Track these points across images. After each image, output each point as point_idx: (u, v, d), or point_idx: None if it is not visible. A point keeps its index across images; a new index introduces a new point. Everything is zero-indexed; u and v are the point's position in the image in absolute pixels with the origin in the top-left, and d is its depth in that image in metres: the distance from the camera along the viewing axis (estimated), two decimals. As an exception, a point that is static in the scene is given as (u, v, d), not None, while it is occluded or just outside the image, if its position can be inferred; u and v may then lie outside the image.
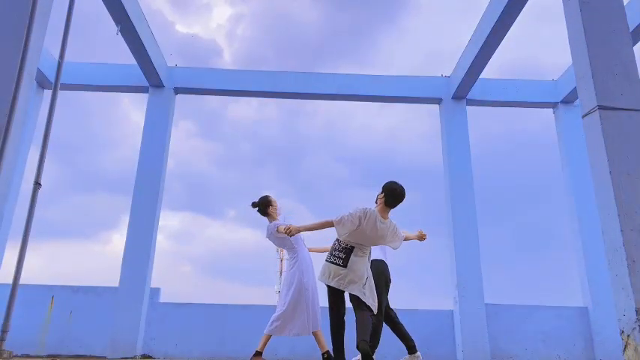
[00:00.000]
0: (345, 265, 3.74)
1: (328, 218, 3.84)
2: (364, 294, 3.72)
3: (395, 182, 3.84)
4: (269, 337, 4.57)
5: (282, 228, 4.28)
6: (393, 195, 3.80)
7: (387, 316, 4.54)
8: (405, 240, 4.27)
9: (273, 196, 4.77)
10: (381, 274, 4.41)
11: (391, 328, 4.58)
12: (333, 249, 3.90)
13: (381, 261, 4.54)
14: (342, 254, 3.78)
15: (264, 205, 4.73)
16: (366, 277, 3.78)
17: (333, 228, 3.83)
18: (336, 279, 3.77)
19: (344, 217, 3.75)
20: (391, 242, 3.94)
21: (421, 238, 4.55)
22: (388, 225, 3.83)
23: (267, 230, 4.72)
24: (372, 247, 4.54)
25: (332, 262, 3.82)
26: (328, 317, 4.01)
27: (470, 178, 6.98)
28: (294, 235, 4.18)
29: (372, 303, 3.78)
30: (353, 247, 3.80)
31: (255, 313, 6.42)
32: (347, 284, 3.73)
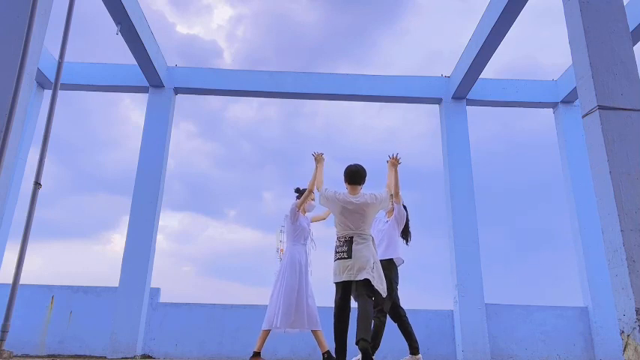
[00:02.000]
0: (350, 256, 3.84)
1: (323, 186, 4.21)
2: (373, 277, 3.79)
3: (349, 164, 4.17)
4: (264, 335, 4.58)
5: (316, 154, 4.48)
6: (348, 173, 4.10)
7: (396, 313, 4.55)
8: (393, 186, 4.43)
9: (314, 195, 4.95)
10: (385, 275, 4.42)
11: (398, 326, 4.59)
12: (336, 247, 4.00)
13: (387, 260, 4.53)
14: (345, 247, 3.89)
15: (302, 194, 4.92)
16: (372, 262, 3.85)
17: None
18: (345, 272, 3.85)
19: (327, 192, 4.08)
20: (382, 205, 4.09)
21: (393, 163, 4.44)
22: (364, 197, 4.00)
23: (286, 215, 4.85)
24: (385, 245, 4.58)
25: (338, 259, 3.93)
26: (332, 317, 4.03)
27: (470, 178, 6.98)
28: (316, 157, 4.42)
29: (381, 287, 3.84)
30: (352, 237, 3.90)
31: (255, 313, 6.42)
32: (357, 273, 3.81)
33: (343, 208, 3.95)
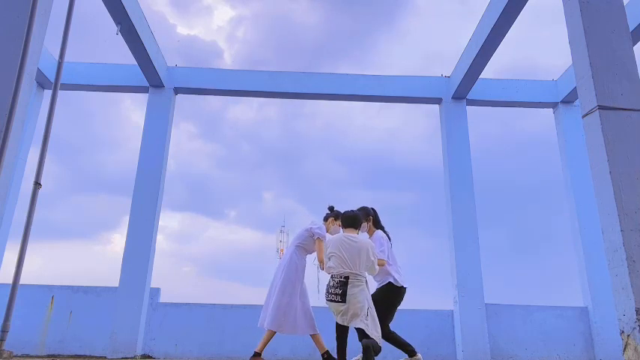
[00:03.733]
0: (343, 301, 3.70)
1: (324, 261, 4.14)
2: (367, 326, 3.67)
3: (346, 211, 4.27)
4: (269, 336, 4.57)
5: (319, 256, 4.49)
6: (345, 219, 4.20)
7: (385, 333, 4.43)
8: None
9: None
10: (386, 298, 4.40)
11: (387, 341, 4.48)
12: (329, 287, 3.86)
13: (386, 285, 4.48)
14: (339, 290, 3.74)
15: (333, 216, 4.87)
16: (367, 308, 3.73)
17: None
18: (338, 316, 3.78)
19: (327, 257, 4.01)
20: (370, 260, 3.90)
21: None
22: (363, 240, 3.93)
23: (313, 224, 4.78)
24: (382, 273, 4.46)
25: (331, 301, 3.79)
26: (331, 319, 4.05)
27: (470, 178, 6.98)
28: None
29: (376, 335, 3.71)
30: (347, 278, 3.75)
31: (255, 313, 6.39)
32: (350, 319, 3.71)
33: (341, 243, 3.88)
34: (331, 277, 3.86)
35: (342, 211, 4.30)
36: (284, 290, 4.54)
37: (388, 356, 5.81)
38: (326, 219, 4.90)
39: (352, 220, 4.14)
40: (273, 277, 4.77)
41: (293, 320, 4.48)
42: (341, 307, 3.70)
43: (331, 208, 4.91)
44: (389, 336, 4.45)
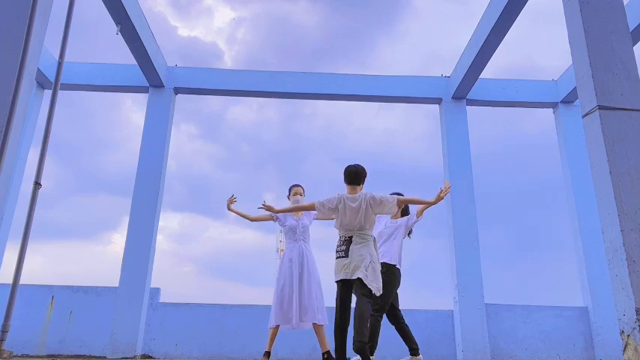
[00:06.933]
0: (347, 255, 3.92)
1: (312, 202, 4.25)
2: (366, 276, 3.83)
3: (349, 165, 4.24)
4: (272, 333, 4.58)
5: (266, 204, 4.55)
6: (347, 174, 4.18)
7: (394, 316, 4.54)
8: (419, 209, 4.56)
9: (298, 189, 4.94)
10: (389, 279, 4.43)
11: (396, 329, 4.58)
12: (336, 246, 4.09)
13: (387, 264, 4.52)
14: (343, 247, 3.98)
15: (288, 195, 5.01)
16: (369, 261, 3.90)
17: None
18: (343, 270, 3.92)
19: (323, 202, 4.13)
20: (382, 210, 4.07)
21: (439, 199, 4.31)
22: (360, 198, 4.03)
23: (303, 216, 4.91)
24: (385, 249, 4.62)
25: (337, 258, 4.01)
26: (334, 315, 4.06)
27: (470, 178, 6.98)
28: (265, 207, 4.51)
29: (375, 286, 3.87)
30: (351, 237, 3.98)
31: (255, 313, 6.42)
32: (352, 271, 3.86)
33: (342, 209, 4.03)
34: (338, 237, 4.10)
35: (346, 166, 4.22)
36: (281, 287, 4.57)
37: (388, 356, 5.82)
38: (292, 194, 4.95)
39: (355, 175, 4.16)
40: (291, 274, 4.62)
41: (296, 312, 4.49)
42: (344, 261, 3.91)
43: (289, 190, 5.01)
44: (401, 327, 4.54)
